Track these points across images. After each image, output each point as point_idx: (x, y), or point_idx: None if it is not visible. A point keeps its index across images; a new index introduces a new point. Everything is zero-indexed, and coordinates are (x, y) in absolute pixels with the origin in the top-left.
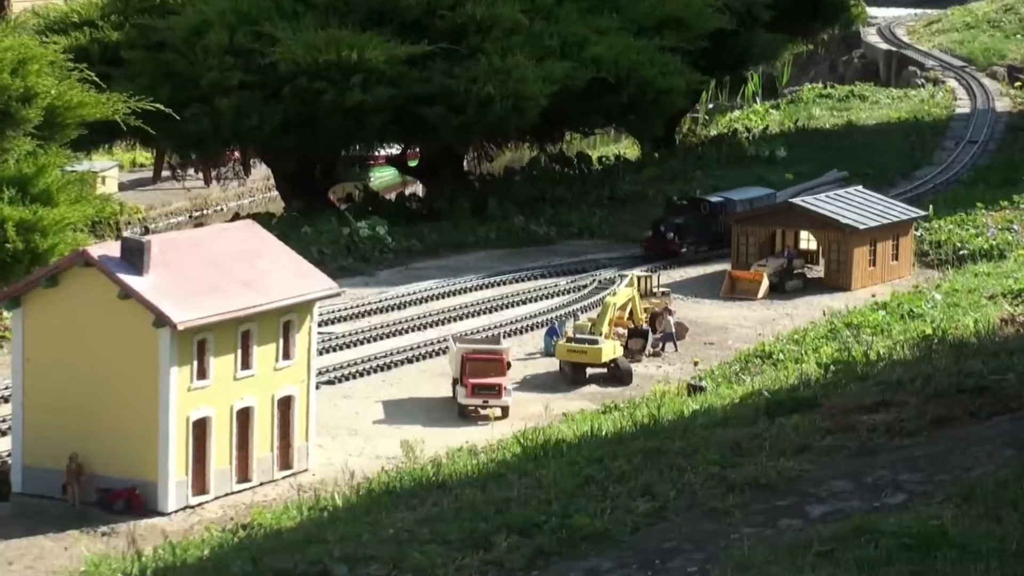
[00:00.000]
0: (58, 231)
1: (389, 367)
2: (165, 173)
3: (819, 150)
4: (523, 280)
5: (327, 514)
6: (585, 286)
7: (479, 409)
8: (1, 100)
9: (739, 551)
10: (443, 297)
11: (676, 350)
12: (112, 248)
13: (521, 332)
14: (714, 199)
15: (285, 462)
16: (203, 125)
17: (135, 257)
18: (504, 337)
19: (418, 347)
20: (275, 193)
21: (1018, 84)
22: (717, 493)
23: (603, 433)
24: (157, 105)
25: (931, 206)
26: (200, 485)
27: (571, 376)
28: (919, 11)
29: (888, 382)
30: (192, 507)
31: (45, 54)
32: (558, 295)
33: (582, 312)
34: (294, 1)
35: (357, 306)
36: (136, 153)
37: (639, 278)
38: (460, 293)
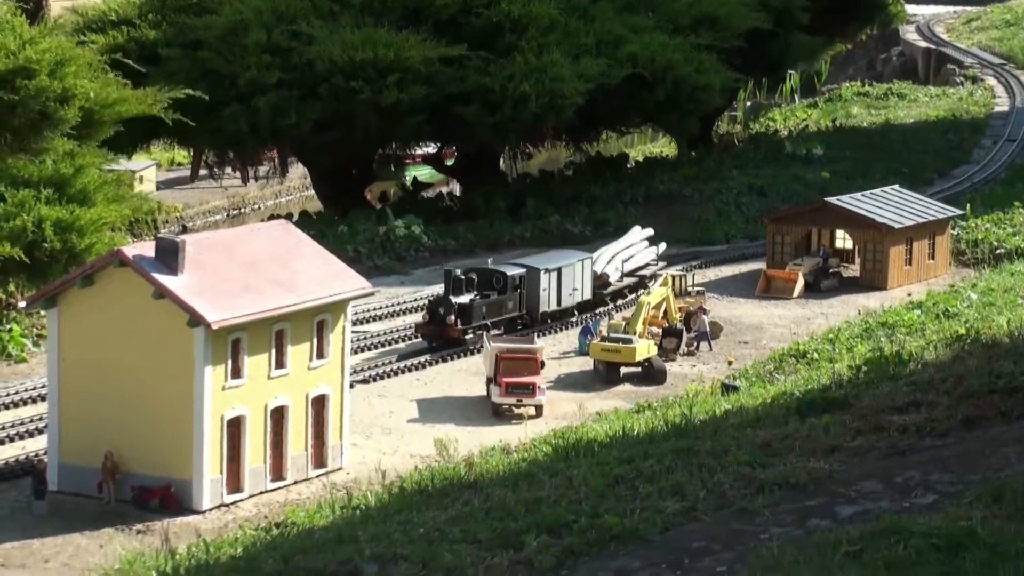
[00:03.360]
0: (95, 231)
1: (423, 366)
2: (202, 172)
3: (856, 149)
4: None
5: (359, 513)
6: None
7: (513, 408)
8: (39, 101)
9: (768, 551)
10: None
11: (710, 349)
12: (147, 248)
13: (555, 331)
14: (511, 270)
15: (319, 461)
16: (240, 124)
17: (169, 257)
18: (538, 336)
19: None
20: (312, 192)
21: None
22: (747, 493)
23: (634, 433)
24: (195, 93)
25: (968, 205)
26: (234, 483)
27: (605, 375)
28: (958, 8)
29: (919, 382)
30: (226, 505)
31: (83, 55)
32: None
33: (616, 311)
34: (330, 0)
35: (392, 305)
36: (174, 152)
37: (674, 277)
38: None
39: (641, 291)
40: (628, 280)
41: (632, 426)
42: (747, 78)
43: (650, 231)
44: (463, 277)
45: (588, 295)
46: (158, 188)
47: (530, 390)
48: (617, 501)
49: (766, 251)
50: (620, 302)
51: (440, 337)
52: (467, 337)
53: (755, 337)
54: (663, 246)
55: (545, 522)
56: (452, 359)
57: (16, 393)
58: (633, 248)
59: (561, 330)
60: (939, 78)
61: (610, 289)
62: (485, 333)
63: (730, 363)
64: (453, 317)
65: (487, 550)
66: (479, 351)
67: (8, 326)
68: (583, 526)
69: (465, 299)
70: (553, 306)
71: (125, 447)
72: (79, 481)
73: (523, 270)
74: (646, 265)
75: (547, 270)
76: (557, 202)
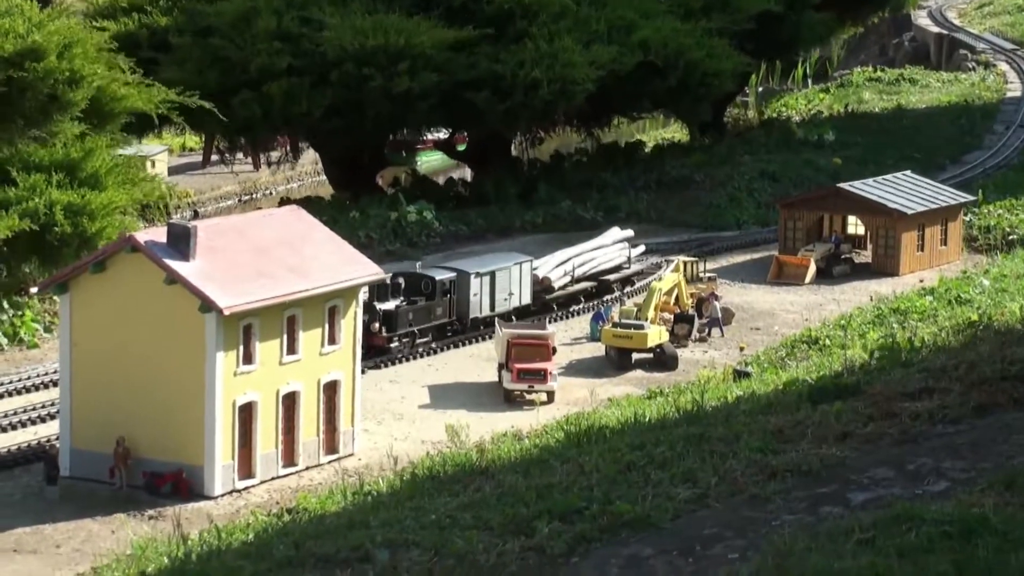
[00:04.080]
0: (106, 215)
1: (435, 351)
2: (214, 157)
3: (869, 134)
4: None
5: (371, 499)
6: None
7: (525, 394)
8: (48, 83)
9: (780, 538)
10: None
11: (722, 335)
12: (159, 233)
13: (567, 317)
14: (440, 275)
15: (331, 446)
16: (252, 110)
17: (181, 242)
18: (550, 322)
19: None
20: (324, 177)
21: None
22: (759, 480)
23: (646, 419)
24: (200, 103)
25: (980, 191)
26: (246, 469)
27: (617, 361)
28: None
29: (932, 369)
30: (238, 491)
31: (90, 38)
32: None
33: (628, 297)
34: None
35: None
36: (186, 137)
37: (685, 263)
38: None
39: (653, 277)
40: (586, 284)
41: (644, 412)
42: (759, 62)
43: (629, 232)
44: (389, 282)
45: (527, 300)
46: (170, 173)
47: (542, 376)
48: (629, 488)
49: (778, 237)
50: (628, 289)
51: (364, 345)
52: (392, 345)
53: (767, 323)
54: (641, 248)
55: (557, 508)
56: (464, 345)
57: (28, 379)
58: (599, 251)
59: (573, 316)
60: (951, 63)
61: (555, 294)
62: (400, 340)
63: (742, 349)
64: (377, 324)
65: (498, 536)
66: (405, 360)
67: (20, 311)
68: (595, 513)
69: (390, 305)
70: (485, 311)
71: (137, 433)
72: (91, 467)
73: (453, 274)
74: (618, 268)
75: (478, 274)
76: (568, 188)
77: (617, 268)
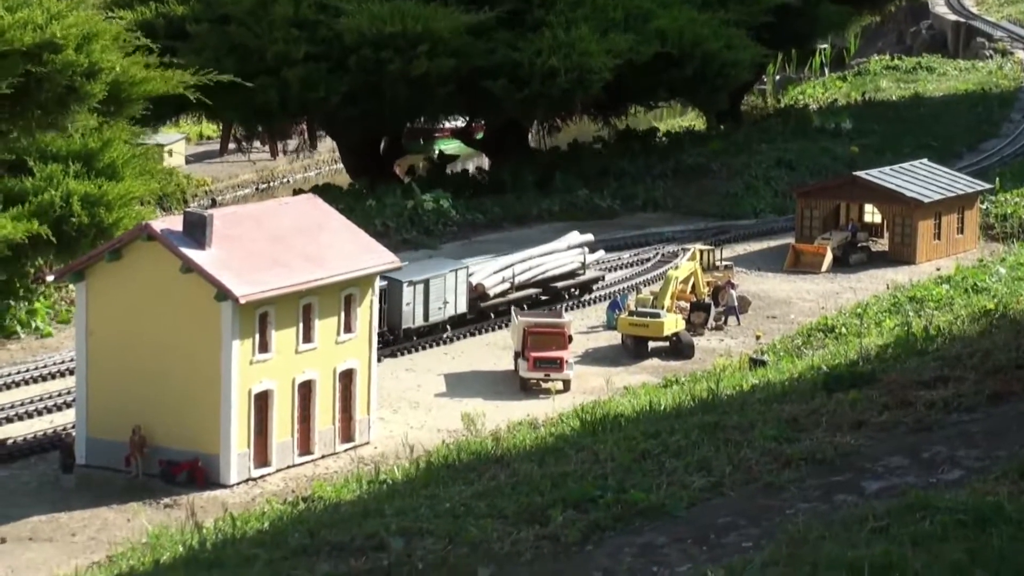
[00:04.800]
0: (123, 205)
1: (451, 340)
2: (232, 146)
3: (885, 122)
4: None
5: (386, 487)
6: (648, 259)
7: (541, 382)
8: (66, 75)
9: (794, 526)
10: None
11: (739, 323)
12: (175, 222)
13: (583, 305)
14: None
15: (347, 435)
16: (270, 97)
17: (197, 231)
18: (566, 310)
19: (480, 320)
20: (341, 166)
21: None
22: (773, 468)
23: (661, 407)
24: (222, 77)
25: (997, 179)
26: (262, 458)
27: (633, 349)
28: None
29: (947, 357)
30: (254, 479)
31: (109, 30)
32: (621, 268)
33: (644, 286)
34: None
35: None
36: (203, 126)
37: (702, 252)
38: None
39: (669, 265)
40: (531, 291)
41: (659, 401)
42: (776, 52)
43: (588, 237)
44: None
45: (463, 308)
46: (187, 162)
47: (558, 364)
48: (643, 476)
49: (795, 225)
50: (645, 278)
51: None
52: None
53: (783, 312)
54: (600, 253)
55: (571, 497)
56: (479, 333)
57: (44, 367)
58: (551, 256)
59: (589, 305)
60: (968, 51)
61: (492, 302)
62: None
63: (758, 338)
64: None
65: (513, 525)
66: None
67: (36, 300)
68: (609, 501)
69: None
70: (419, 322)
71: (153, 421)
72: (107, 455)
73: (383, 283)
74: (572, 273)
75: (411, 282)
76: (585, 176)
77: (571, 274)
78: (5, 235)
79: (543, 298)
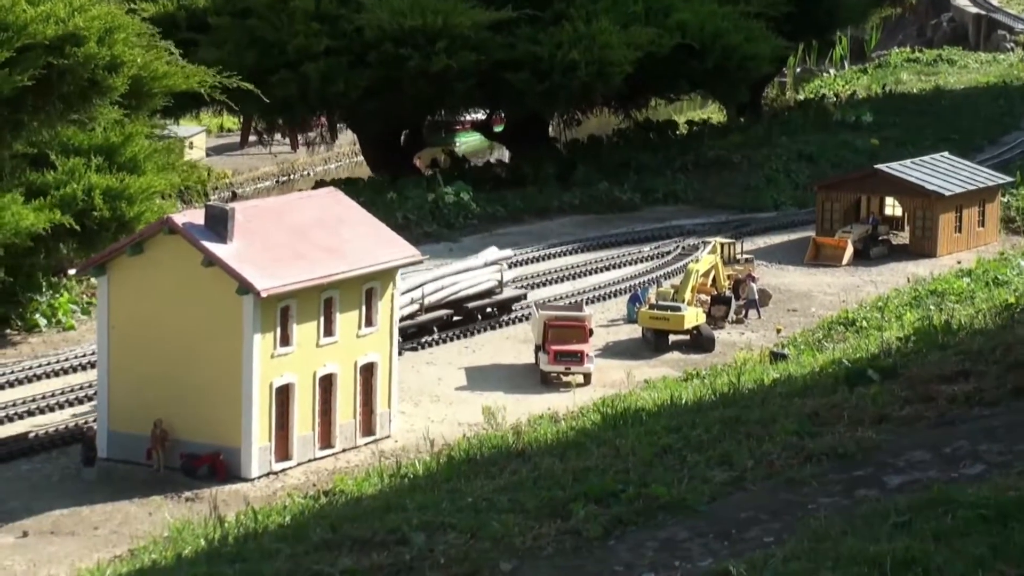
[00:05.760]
0: (144, 199)
1: (472, 333)
2: (252, 138)
3: (906, 115)
4: (606, 247)
5: (407, 481)
6: (668, 252)
7: (561, 376)
8: (88, 69)
9: (816, 521)
10: (526, 263)
11: (759, 317)
12: (196, 215)
13: (604, 299)
14: None
15: (368, 428)
16: (290, 90)
17: (219, 224)
18: (587, 304)
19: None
20: (361, 159)
21: None
22: (795, 463)
23: (683, 401)
24: (243, 84)
25: (1018, 172)
26: (283, 451)
27: (654, 343)
28: None
29: (968, 352)
30: (275, 473)
31: (131, 23)
32: (641, 261)
33: (665, 279)
34: None
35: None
36: (223, 118)
37: (722, 244)
38: (543, 259)
39: (690, 258)
40: (442, 312)
41: (680, 395)
42: (796, 44)
43: (506, 253)
44: None
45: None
46: (208, 155)
47: (578, 358)
48: (665, 471)
49: (815, 218)
50: (666, 271)
51: None
52: None
53: (804, 305)
54: (506, 275)
55: (593, 492)
56: (500, 327)
57: (66, 360)
58: (465, 275)
59: (610, 298)
60: (989, 44)
61: (399, 325)
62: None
63: (779, 331)
64: None
65: (534, 519)
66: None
67: (58, 293)
68: (631, 496)
69: None
70: None
71: (174, 414)
72: (128, 448)
73: None
74: (489, 292)
75: None
76: (606, 169)
77: (488, 293)
78: (28, 226)
79: (456, 319)
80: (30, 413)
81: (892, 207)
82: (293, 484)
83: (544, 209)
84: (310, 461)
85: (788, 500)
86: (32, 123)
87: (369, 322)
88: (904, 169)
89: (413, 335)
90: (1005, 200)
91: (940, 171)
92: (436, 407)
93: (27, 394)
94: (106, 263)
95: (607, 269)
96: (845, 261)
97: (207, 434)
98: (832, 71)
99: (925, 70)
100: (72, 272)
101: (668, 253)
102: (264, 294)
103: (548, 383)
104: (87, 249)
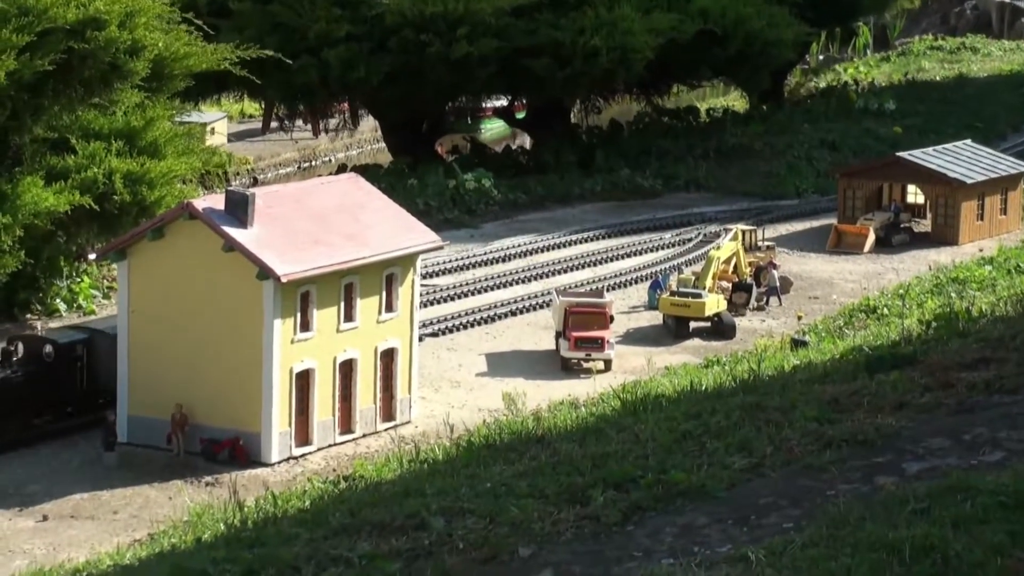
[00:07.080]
0: (165, 183)
1: (493, 319)
2: (273, 124)
3: (929, 103)
4: (628, 233)
5: (427, 467)
6: (690, 239)
7: (582, 362)
8: (109, 53)
9: (835, 508)
10: (547, 250)
11: (780, 304)
12: (217, 201)
13: (625, 285)
14: (64, 338)
15: (388, 414)
16: (311, 76)
17: (239, 210)
18: (608, 290)
19: (522, 300)
20: (383, 144)
21: None
22: (814, 449)
23: (703, 388)
24: (266, 52)
25: None
26: (303, 436)
27: (674, 330)
28: None
29: (989, 339)
30: (295, 458)
31: (153, 7)
32: (662, 248)
33: (686, 266)
34: None
35: (461, 258)
36: (244, 104)
37: (744, 232)
38: (564, 246)
39: (711, 245)
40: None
41: (700, 381)
42: (819, 31)
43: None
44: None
45: None
46: (229, 140)
47: (599, 344)
48: (684, 457)
49: (837, 206)
50: (687, 257)
51: None
52: None
53: (825, 292)
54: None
55: (612, 477)
56: (521, 313)
57: None
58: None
59: (631, 285)
60: (1013, 32)
61: None
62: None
63: (799, 318)
64: None
65: (554, 505)
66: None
67: (79, 278)
68: (650, 481)
69: None
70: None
71: (194, 399)
72: (148, 433)
73: (84, 335)
74: None
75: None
76: (627, 155)
77: None
78: (48, 207)
79: None
80: None
81: (914, 195)
82: (313, 469)
83: (565, 196)
84: (330, 446)
85: (807, 486)
86: (53, 107)
87: (389, 308)
88: (926, 157)
89: None
90: None
91: (962, 159)
92: (456, 393)
93: None
94: (126, 248)
95: (628, 256)
96: (867, 248)
97: (227, 419)
98: (855, 58)
99: (948, 58)
100: (92, 257)
101: (689, 240)
102: (284, 279)
103: (568, 369)
104: (107, 234)
